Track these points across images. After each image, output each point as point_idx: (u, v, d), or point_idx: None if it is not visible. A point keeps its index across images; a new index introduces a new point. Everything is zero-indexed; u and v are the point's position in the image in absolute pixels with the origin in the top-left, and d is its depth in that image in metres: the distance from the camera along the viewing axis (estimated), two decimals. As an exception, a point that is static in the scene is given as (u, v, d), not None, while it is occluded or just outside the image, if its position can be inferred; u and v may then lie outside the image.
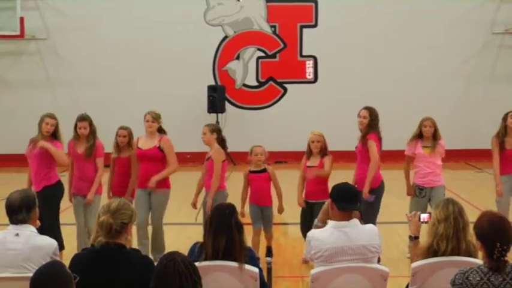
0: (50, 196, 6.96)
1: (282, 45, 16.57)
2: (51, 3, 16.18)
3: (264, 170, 7.36)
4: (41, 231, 4.38)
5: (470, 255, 4.25)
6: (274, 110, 16.61)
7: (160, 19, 16.04)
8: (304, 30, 16.50)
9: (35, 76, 16.35)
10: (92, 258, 3.91)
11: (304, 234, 6.78)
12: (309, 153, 7.33)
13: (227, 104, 16.15)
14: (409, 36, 16.02)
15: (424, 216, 4.68)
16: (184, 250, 3.91)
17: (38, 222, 4.42)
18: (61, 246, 6.41)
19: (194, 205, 7.44)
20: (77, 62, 16.11)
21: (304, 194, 7.35)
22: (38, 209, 4.42)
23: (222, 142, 7.28)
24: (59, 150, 7.08)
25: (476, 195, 10.26)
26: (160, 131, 7.50)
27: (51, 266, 3.36)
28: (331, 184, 4.89)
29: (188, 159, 14.98)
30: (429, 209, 6.91)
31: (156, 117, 7.42)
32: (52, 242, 4.31)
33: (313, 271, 4.27)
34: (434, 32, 15.91)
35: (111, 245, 3.89)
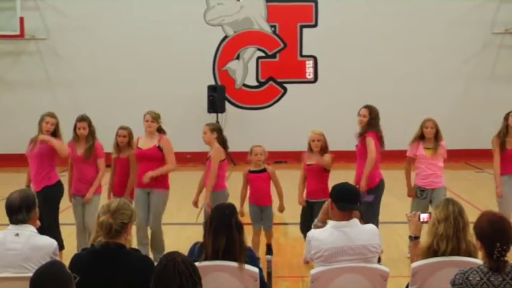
0: (50, 196, 6.96)
1: (282, 45, 16.57)
2: (51, 3, 16.19)
3: (264, 170, 7.36)
4: (41, 231, 4.38)
5: (470, 255, 4.25)
6: (274, 110, 16.61)
7: (160, 19, 16.04)
8: (304, 30, 16.51)
9: (35, 76, 16.36)
10: (92, 258, 3.91)
11: (304, 234, 6.78)
12: (310, 152, 7.34)
13: (227, 104, 16.16)
14: (409, 36, 16.03)
15: (423, 216, 4.67)
16: (184, 250, 3.90)
17: (38, 222, 4.42)
18: (61, 246, 6.40)
19: (195, 204, 7.43)
20: (77, 62, 16.12)
21: (305, 193, 7.35)
22: (38, 209, 4.42)
23: (222, 142, 7.28)
24: (60, 142, 7.08)
25: (476, 195, 10.26)
26: (160, 131, 7.50)
27: (51, 266, 3.36)
28: (331, 184, 4.89)
29: (188, 159, 14.99)
30: (430, 210, 6.91)
31: (156, 117, 7.41)
32: (52, 242, 4.31)
33: (313, 271, 4.27)
34: (434, 32, 15.91)
35: (111, 245, 3.89)
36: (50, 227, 6.20)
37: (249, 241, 5.35)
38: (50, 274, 3.24)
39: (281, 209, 7.48)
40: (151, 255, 6.92)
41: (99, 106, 14.54)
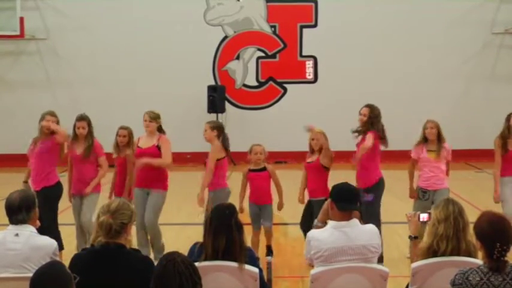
0: (50, 197, 6.96)
1: (282, 45, 16.57)
2: (51, 3, 16.19)
3: (264, 169, 7.37)
4: (40, 231, 4.38)
5: (470, 256, 4.25)
6: (274, 110, 16.61)
7: (160, 19, 16.04)
8: (304, 30, 16.51)
9: (35, 76, 16.36)
10: (92, 258, 3.91)
11: (304, 232, 6.80)
12: (311, 150, 7.35)
13: (227, 104, 16.16)
14: (409, 36, 16.03)
15: (423, 216, 4.67)
16: (184, 250, 3.91)
17: (38, 223, 4.42)
18: (60, 247, 6.40)
19: (202, 199, 7.34)
20: (77, 62, 16.12)
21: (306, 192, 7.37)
22: (38, 209, 4.42)
23: (223, 140, 7.27)
24: (59, 126, 7.09)
25: (476, 195, 10.26)
26: (160, 130, 7.50)
27: (51, 266, 3.35)
28: (331, 184, 4.89)
29: (188, 159, 15.01)
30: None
31: (154, 117, 7.41)
32: (52, 242, 4.31)
33: (313, 271, 4.27)
34: (434, 32, 15.91)
35: (111, 245, 3.89)
36: (49, 228, 6.20)
37: (248, 241, 5.34)
38: (50, 274, 3.24)
39: (280, 206, 7.48)
40: (151, 256, 6.92)
41: (99, 106, 14.54)
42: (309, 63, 16.54)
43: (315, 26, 16.47)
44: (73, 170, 7.42)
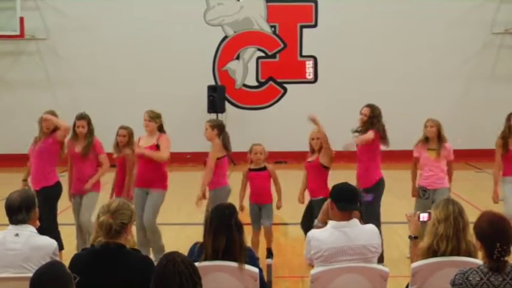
0: (49, 197, 6.97)
1: (282, 45, 16.57)
2: (51, 3, 16.19)
3: (264, 168, 7.37)
4: (40, 231, 4.38)
5: (470, 256, 4.25)
6: (274, 110, 16.61)
7: (160, 19, 16.04)
8: (304, 30, 16.51)
9: (35, 76, 16.35)
10: (92, 258, 3.91)
11: (304, 231, 6.79)
12: (311, 150, 7.34)
13: (227, 104, 16.15)
14: (409, 36, 16.02)
15: (423, 216, 4.67)
16: (184, 250, 3.91)
17: (38, 223, 4.42)
18: (60, 247, 6.40)
19: (203, 196, 7.30)
20: (77, 62, 16.11)
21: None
22: (38, 209, 4.42)
23: (224, 139, 7.26)
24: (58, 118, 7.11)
25: (476, 195, 10.25)
26: (161, 130, 7.49)
27: (51, 266, 3.35)
28: (331, 184, 4.89)
29: (188, 159, 15.01)
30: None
31: (153, 117, 7.40)
32: (52, 242, 4.31)
33: (313, 271, 4.27)
34: (434, 32, 15.91)
35: (111, 245, 3.89)
36: (48, 228, 6.20)
37: (248, 241, 5.35)
38: (50, 274, 3.24)
39: (278, 206, 7.48)
40: (151, 256, 6.92)
41: (99, 106, 14.51)
42: (309, 63, 16.54)
43: (315, 26, 16.47)
44: (73, 169, 7.43)
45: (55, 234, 6.33)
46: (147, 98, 13.92)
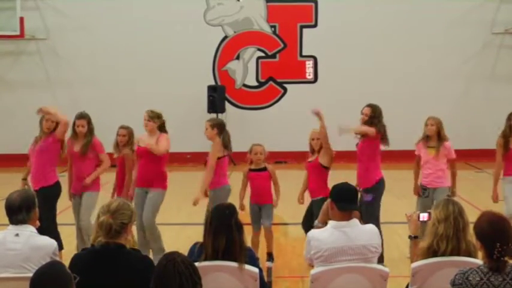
0: (48, 197, 6.96)
1: (282, 45, 16.57)
2: (51, 3, 16.19)
3: (264, 169, 7.37)
4: (40, 231, 4.38)
5: (470, 256, 4.25)
6: (274, 110, 16.61)
7: (160, 19, 16.03)
8: (304, 30, 16.50)
9: (35, 76, 16.35)
10: (92, 258, 3.91)
11: (306, 231, 6.78)
12: (312, 150, 7.34)
13: (227, 104, 16.15)
14: (409, 36, 16.02)
15: (423, 216, 4.66)
16: (184, 250, 3.91)
17: (38, 223, 4.42)
18: (60, 247, 6.39)
19: (205, 194, 7.29)
20: (77, 62, 16.11)
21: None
22: (37, 209, 4.42)
23: (224, 138, 7.24)
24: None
25: (476, 195, 10.25)
26: (162, 130, 7.48)
27: (51, 266, 3.36)
28: (331, 184, 4.89)
29: (188, 159, 15.00)
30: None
31: (153, 116, 7.39)
32: (52, 242, 4.31)
33: (313, 271, 4.27)
34: (434, 32, 15.91)
35: (111, 245, 3.89)
36: (48, 228, 6.20)
37: (248, 241, 5.35)
38: (50, 274, 3.24)
39: (274, 205, 7.45)
40: (151, 256, 6.91)
41: (99, 106, 14.48)
42: (309, 63, 16.54)
43: (315, 26, 16.46)
44: (72, 169, 7.42)
45: (55, 234, 6.33)
46: (147, 98, 13.92)
